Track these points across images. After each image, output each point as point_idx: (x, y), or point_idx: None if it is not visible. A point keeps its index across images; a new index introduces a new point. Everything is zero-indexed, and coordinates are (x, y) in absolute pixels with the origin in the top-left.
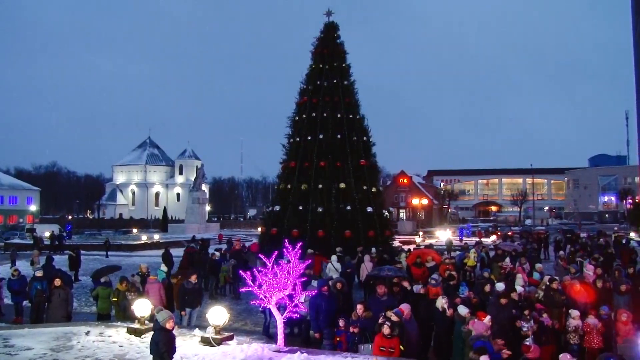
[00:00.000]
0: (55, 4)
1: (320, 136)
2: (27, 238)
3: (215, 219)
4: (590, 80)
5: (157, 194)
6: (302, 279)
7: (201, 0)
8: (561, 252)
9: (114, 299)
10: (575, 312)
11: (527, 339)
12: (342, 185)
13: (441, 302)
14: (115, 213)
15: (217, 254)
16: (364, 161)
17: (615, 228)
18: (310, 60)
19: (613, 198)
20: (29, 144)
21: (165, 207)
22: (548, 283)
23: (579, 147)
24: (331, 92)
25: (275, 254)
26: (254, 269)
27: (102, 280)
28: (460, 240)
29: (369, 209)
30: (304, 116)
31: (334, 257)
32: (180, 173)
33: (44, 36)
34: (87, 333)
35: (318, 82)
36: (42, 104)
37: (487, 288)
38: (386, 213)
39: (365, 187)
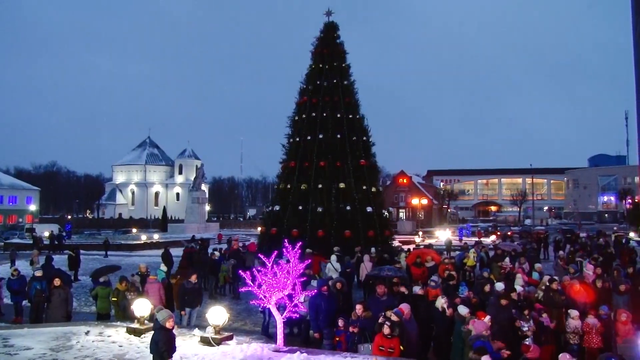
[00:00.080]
0: (55, 4)
1: (320, 136)
2: (26, 238)
3: (215, 219)
4: (590, 80)
5: (156, 194)
6: (302, 279)
7: (201, 0)
8: (561, 252)
9: (113, 299)
10: (574, 312)
11: (527, 339)
12: (342, 185)
13: (441, 302)
14: (115, 213)
15: (217, 253)
16: (364, 161)
17: (615, 228)
18: (310, 60)
19: (613, 198)
20: (28, 143)
21: (164, 206)
22: (548, 283)
23: (578, 147)
24: (331, 92)
25: (275, 253)
26: (253, 269)
27: (101, 280)
28: (460, 240)
29: (369, 209)
30: (303, 116)
31: (333, 257)
32: (180, 173)
33: (44, 36)
34: (87, 333)
35: (318, 82)
36: (42, 104)
37: (487, 288)
38: (386, 213)
39: (365, 187)
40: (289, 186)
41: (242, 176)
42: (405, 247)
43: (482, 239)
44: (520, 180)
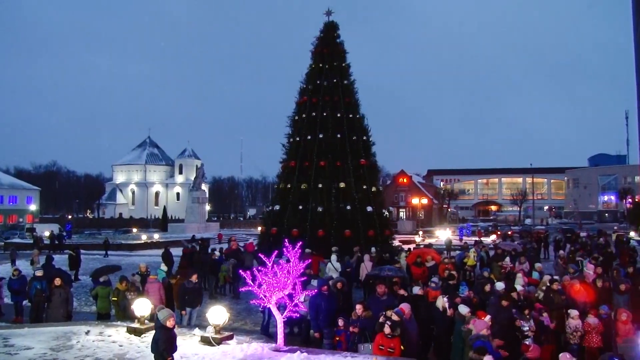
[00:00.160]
0: (55, 4)
1: (320, 136)
2: (26, 237)
3: (215, 219)
4: (590, 80)
5: (156, 194)
6: (302, 279)
7: (201, 0)
8: (561, 252)
9: (113, 299)
10: (574, 312)
11: (527, 339)
12: (342, 184)
13: (441, 302)
14: (115, 212)
15: (217, 253)
16: (364, 161)
17: (615, 227)
18: (310, 59)
19: (613, 197)
20: (28, 143)
21: (165, 206)
22: (548, 284)
23: (578, 146)
24: (331, 91)
25: (275, 253)
26: (254, 269)
27: (101, 279)
28: (460, 239)
29: (369, 209)
30: (303, 116)
31: (333, 257)
32: (180, 172)
33: (44, 36)
34: (87, 332)
35: (318, 82)
36: (42, 104)
37: (487, 287)
38: (386, 212)
39: (365, 187)
40: (289, 186)
41: (242, 176)
42: (406, 247)
43: (482, 239)
44: (520, 179)
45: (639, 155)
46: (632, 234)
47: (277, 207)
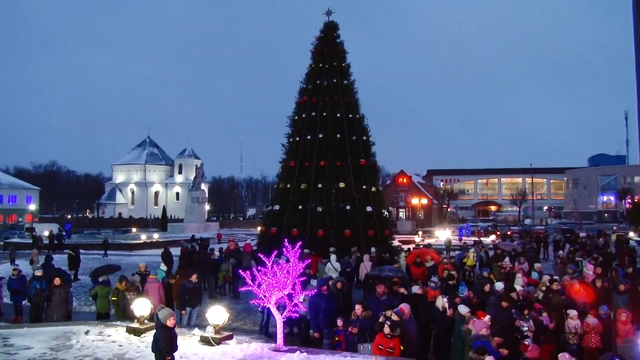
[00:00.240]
0: (55, 4)
1: (320, 135)
2: (26, 237)
3: (215, 218)
4: (590, 80)
5: (156, 193)
6: (302, 279)
7: (201, 0)
8: (560, 252)
9: (113, 298)
10: (573, 312)
11: (527, 339)
12: (342, 184)
13: (441, 302)
14: (115, 212)
15: (217, 253)
16: (364, 161)
17: (615, 228)
18: (310, 59)
19: (612, 198)
20: (28, 143)
21: (164, 206)
22: (548, 284)
23: (578, 147)
24: (331, 91)
25: (275, 253)
26: (253, 269)
27: (101, 279)
28: (460, 239)
29: (369, 209)
30: (303, 115)
31: (333, 257)
32: (180, 172)
33: (44, 36)
34: (87, 332)
35: (318, 82)
36: (42, 104)
37: (487, 287)
38: (386, 212)
39: (365, 187)
40: (288, 186)
41: (242, 176)
42: (405, 247)
43: (481, 239)
44: (520, 180)
45: (639, 155)
46: (631, 234)
47: (276, 207)
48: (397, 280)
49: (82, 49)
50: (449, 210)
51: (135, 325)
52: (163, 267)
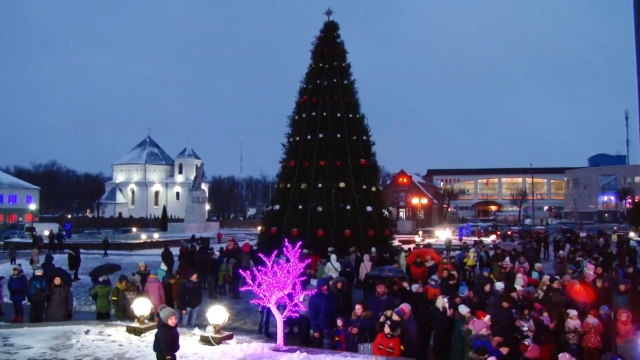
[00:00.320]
0: (55, 4)
1: (320, 135)
2: (26, 237)
3: (215, 218)
4: (590, 80)
5: (156, 193)
6: (302, 278)
7: (201, 0)
8: (561, 252)
9: (113, 298)
10: (573, 312)
11: (527, 339)
12: (342, 184)
13: (442, 302)
14: (115, 212)
15: (217, 253)
16: (364, 160)
17: (615, 228)
18: (310, 59)
19: (612, 198)
20: (28, 143)
21: (164, 206)
22: (549, 283)
23: (578, 146)
24: (331, 91)
25: (275, 253)
26: (253, 269)
27: (101, 279)
28: (460, 239)
29: (369, 208)
30: (303, 115)
31: (333, 257)
32: (180, 172)
33: (44, 36)
34: (87, 332)
35: (318, 82)
36: (42, 104)
37: (487, 287)
38: (386, 212)
39: (365, 187)
40: (289, 185)
41: (242, 175)
42: (405, 247)
43: (482, 239)
44: (520, 179)
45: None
46: (631, 234)
47: (277, 207)
48: (397, 280)
49: (82, 49)
50: (449, 210)
51: (135, 324)
52: (163, 266)
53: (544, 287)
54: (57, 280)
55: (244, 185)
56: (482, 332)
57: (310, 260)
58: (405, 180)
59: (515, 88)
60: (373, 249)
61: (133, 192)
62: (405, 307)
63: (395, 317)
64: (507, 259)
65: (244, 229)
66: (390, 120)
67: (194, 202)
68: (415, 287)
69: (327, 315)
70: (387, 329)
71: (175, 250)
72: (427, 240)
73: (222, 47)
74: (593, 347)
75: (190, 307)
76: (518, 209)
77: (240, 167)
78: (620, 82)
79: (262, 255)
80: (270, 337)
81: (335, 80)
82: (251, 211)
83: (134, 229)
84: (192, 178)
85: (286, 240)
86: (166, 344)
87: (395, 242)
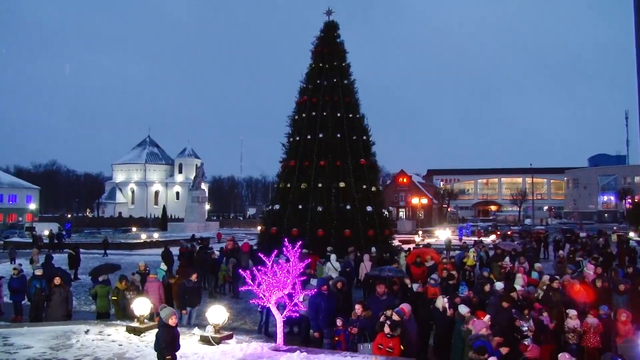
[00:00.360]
0: (55, 4)
1: (320, 135)
2: (26, 236)
3: (215, 218)
4: (590, 80)
5: (156, 193)
6: (302, 278)
7: (201, 0)
8: (561, 252)
9: (113, 298)
10: (572, 312)
11: (526, 339)
12: (342, 184)
13: (442, 302)
14: (115, 212)
15: (217, 252)
16: (364, 160)
17: (615, 228)
18: (310, 59)
19: (612, 198)
20: (28, 142)
21: (164, 205)
22: (549, 283)
23: (578, 146)
24: (331, 91)
25: (275, 253)
26: (253, 268)
27: (101, 278)
28: (460, 239)
29: (369, 208)
30: (303, 115)
31: (333, 257)
32: (180, 172)
33: (44, 36)
34: (87, 332)
35: (318, 81)
36: (42, 104)
37: (487, 287)
38: (386, 212)
39: (365, 187)
40: (289, 185)
41: (242, 175)
42: (405, 247)
43: (482, 239)
44: (520, 179)
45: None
46: (631, 234)
47: (277, 207)
48: (398, 280)
49: (82, 49)
50: (449, 210)
51: (135, 324)
52: (163, 266)
53: (544, 287)
54: (57, 280)
55: (244, 185)
56: (482, 332)
57: (310, 260)
58: (405, 180)
59: (515, 88)
60: (373, 249)
61: (133, 192)
62: (405, 307)
63: (395, 317)
64: (507, 259)
65: (244, 228)
66: (390, 120)
67: (194, 201)
68: (415, 287)
69: (327, 315)
70: (387, 329)
71: (175, 250)
72: (427, 240)
73: (222, 47)
74: (593, 347)
75: (190, 306)
76: (518, 209)
77: (240, 167)
78: (620, 82)
79: (262, 255)
80: (270, 337)
81: (335, 80)
82: (251, 211)
83: (134, 229)
84: (192, 178)
85: (286, 240)
86: (167, 344)
87: (395, 242)
